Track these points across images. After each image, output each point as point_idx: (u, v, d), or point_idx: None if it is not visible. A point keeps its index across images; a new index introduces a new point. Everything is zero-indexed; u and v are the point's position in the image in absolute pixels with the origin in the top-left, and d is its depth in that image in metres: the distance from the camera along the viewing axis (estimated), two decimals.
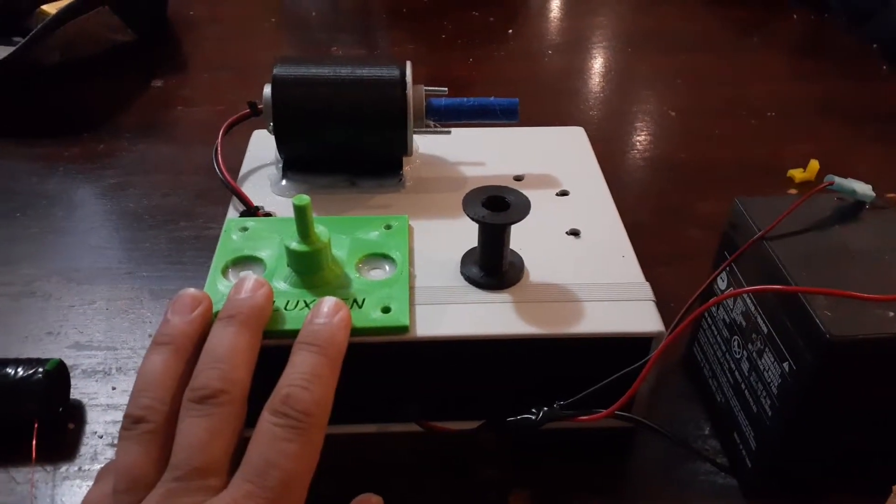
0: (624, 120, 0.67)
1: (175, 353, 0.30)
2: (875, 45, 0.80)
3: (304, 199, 0.34)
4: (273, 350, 0.34)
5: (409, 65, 0.42)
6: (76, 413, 0.40)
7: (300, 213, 0.34)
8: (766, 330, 0.34)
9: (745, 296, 0.36)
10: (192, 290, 0.33)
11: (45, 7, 0.71)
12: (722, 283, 0.38)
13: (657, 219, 0.54)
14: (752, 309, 0.35)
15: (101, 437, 0.38)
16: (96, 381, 0.41)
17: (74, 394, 0.40)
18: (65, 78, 0.71)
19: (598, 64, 0.78)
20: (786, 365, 0.32)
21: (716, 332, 0.39)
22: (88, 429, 0.39)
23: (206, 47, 0.80)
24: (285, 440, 0.27)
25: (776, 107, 0.69)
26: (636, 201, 0.56)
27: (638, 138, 0.64)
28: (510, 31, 0.84)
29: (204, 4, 0.87)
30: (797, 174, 0.59)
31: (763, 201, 0.36)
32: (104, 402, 0.40)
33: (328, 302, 0.33)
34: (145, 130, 0.64)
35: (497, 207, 0.35)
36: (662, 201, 0.56)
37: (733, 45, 0.82)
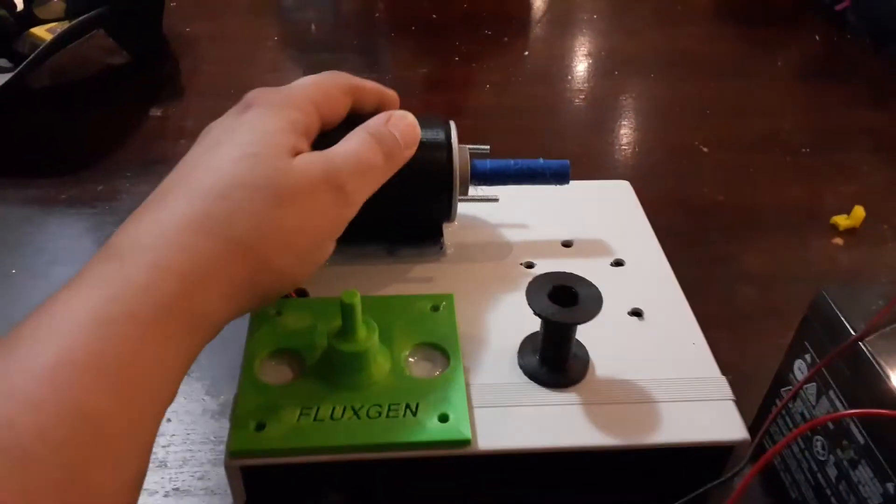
0: (654, 155, 0.64)
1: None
2: None
3: (354, 295, 0.30)
4: (322, 467, 0.31)
5: (453, 126, 0.39)
6: None
7: (348, 311, 0.31)
8: (862, 441, 0.31)
9: (833, 395, 0.33)
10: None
11: (35, 30, 0.66)
12: (799, 373, 0.36)
13: (702, 273, 0.51)
14: (844, 411, 0.32)
15: None
16: None
17: None
18: (56, 105, 0.67)
19: (621, 91, 0.74)
20: (890, 486, 0.29)
21: (792, 427, 0.36)
22: None
23: (205, 70, 0.75)
24: None
25: (809, 141, 0.66)
26: (676, 251, 0.52)
27: (671, 177, 0.61)
28: (526, 52, 0.80)
29: (201, 20, 0.82)
30: (841, 221, 0.56)
31: (851, 292, 0.33)
32: None
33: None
34: (147, 168, 0.60)
35: (564, 300, 0.32)
36: (705, 252, 0.53)
37: (757, 70, 0.79)
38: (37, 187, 0.57)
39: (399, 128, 0.34)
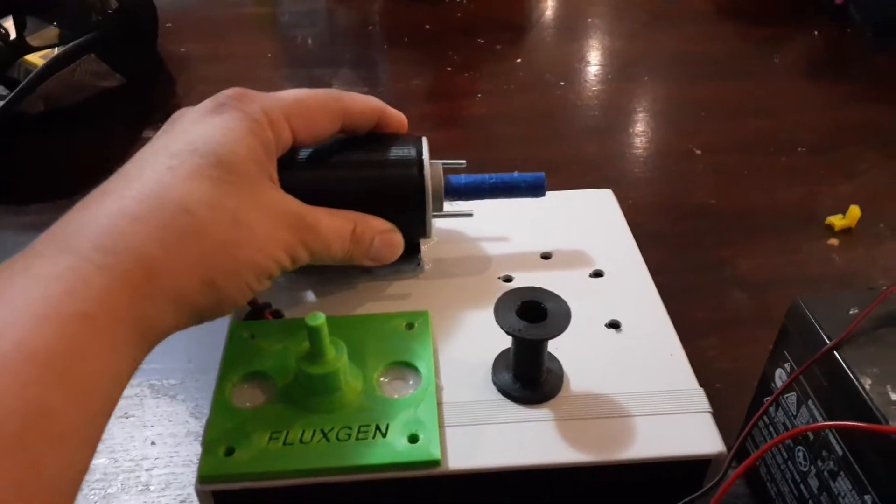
0: (646, 160, 0.64)
1: None
2: None
3: (319, 318, 0.30)
4: (292, 491, 0.30)
5: (424, 142, 0.38)
6: None
7: (314, 334, 0.31)
8: (840, 452, 0.30)
9: (811, 404, 0.32)
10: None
11: (28, 57, 0.67)
12: (780, 382, 0.35)
13: (692, 278, 0.51)
14: (822, 422, 0.31)
15: None
16: None
17: None
18: (49, 130, 0.68)
19: (614, 95, 0.74)
20: (868, 498, 0.28)
21: (774, 435, 0.36)
22: None
23: (200, 90, 0.75)
24: None
25: (806, 140, 0.65)
26: (667, 257, 0.52)
27: (663, 182, 0.61)
28: (519, 59, 0.80)
29: (196, 41, 0.83)
30: (836, 221, 0.55)
31: (828, 300, 0.33)
32: None
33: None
34: None
35: (533, 316, 0.31)
36: (696, 257, 0.53)
37: (756, 68, 0.78)
38: (32, 213, 0.58)
39: (382, 243, 0.36)
